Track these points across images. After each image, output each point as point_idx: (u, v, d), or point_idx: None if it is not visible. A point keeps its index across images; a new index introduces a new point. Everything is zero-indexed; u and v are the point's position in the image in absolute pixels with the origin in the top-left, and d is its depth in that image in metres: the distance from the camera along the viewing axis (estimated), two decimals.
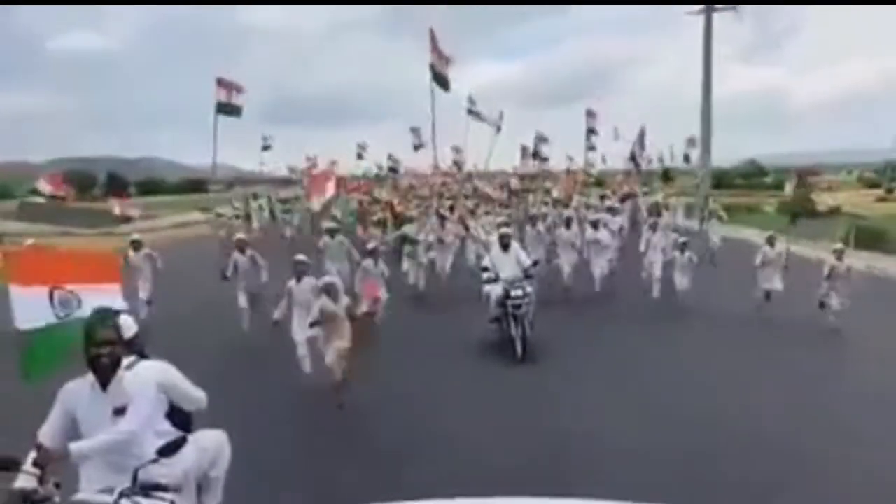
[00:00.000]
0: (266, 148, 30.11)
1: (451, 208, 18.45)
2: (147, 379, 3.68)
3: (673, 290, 13.32)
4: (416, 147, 27.29)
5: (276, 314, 8.95)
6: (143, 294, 12.05)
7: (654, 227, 14.73)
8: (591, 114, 27.76)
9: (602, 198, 24.07)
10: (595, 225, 14.95)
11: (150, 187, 71.78)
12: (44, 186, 25.77)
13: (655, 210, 17.09)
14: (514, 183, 26.17)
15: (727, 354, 10.27)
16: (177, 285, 13.41)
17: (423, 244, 14.83)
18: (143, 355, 3.93)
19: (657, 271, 13.67)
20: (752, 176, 75.88)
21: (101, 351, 3.52)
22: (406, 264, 14.81)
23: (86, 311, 3.76)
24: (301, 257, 9.26)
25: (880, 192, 55.86)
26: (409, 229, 15.64)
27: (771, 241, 12.67)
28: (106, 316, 3.66)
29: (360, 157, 31.63)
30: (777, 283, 12.25)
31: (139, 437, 3.57)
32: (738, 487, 5.78)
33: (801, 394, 8.43)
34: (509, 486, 3.10)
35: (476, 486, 4.90)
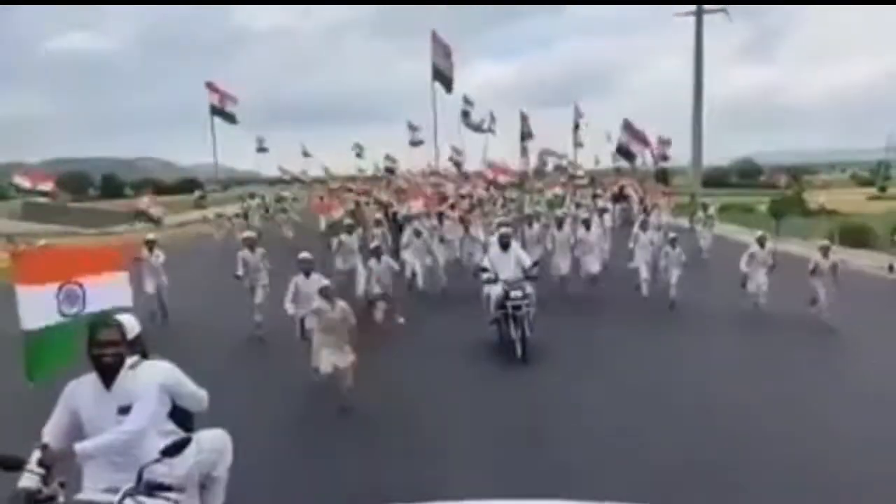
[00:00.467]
0: (262, 150, 30.27)
1: (452, 206, 18.55)
2: (151, 379, 3.69)
3: (664, 287, 13.45)
4: (414, 143, 27.35)
5: (290, 309, 9.03)
6: (149, 288, 12.21)
7: (644, 227, 14.84)
8: (578, 110, 27.92)
9: (594, 197, 24.22)
10: (587, 224, 15.01)
11: (146, 188, 71.65)
12: (22, 181, 25.52)
13: (646, 209, 17.23)
14: (502, 179, 26.18)
15: (722, 351, 10.33)
16: (187, 283, 13.62)
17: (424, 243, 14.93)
18: (145, 355, 3.93)
19: (646, 271, 13.75)
20: (747, 175, 76.15)
21: (104, 351, 3.54)
22: (406, 254, 14.88)
23: (90, 308, 3.80)
24: (305, 255, 9.33)
25: (873, 190, 56.25)
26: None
27: (761, 242, 12.69)
28: (109, 316, 3.68)
29: (358, 156, 31.76)
30: (762, 282, 12.36)
31: (143, 436, 3.57)
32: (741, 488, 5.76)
33: (788, 384, 8.64)
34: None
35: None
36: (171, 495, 3.49)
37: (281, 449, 6.73)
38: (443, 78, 11.61)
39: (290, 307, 9.06)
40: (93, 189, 71.48)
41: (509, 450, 6.67)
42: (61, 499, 3.37)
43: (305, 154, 32.21)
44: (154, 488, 3.41)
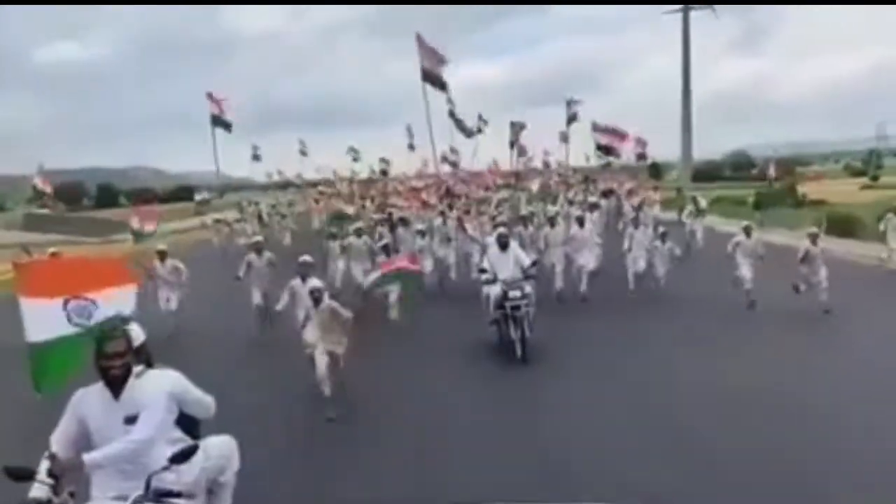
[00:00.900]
0: (256, 157, 30.42)
1: (451, 206, 18.69)
2: (158, 387, 3.71)
3: (656, 281, 13.63)
4: (412, 147, 27.47)
5: (279, 306, 9.30)
6: (171, 304, 12.25)
7: (636, 223, 14.93)
8: (570, 103, 27.96)
9: (586, 193, 24.42)
10: (581, 221, 15.11)
11: (142, 197, 71.68)
12: (43, 186, 26.00)
13: (638, 206, 17.39)
14: (499, 181, 26.42)
15: (718, 344, 10.41)
16: (194, 289, 13.68)
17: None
18: (150, 363, 3.95)
19: (641, 267, 13.86)
20: (740, 167, 76.36)
21: (112, 363, 3.56)
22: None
23: (101, 318, 3.81)
24: (306, 258, 9.48)
25: (866, 180, 56.50)
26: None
27: (747, 231, 13.04)
28: (115, 327, 3.71)
29: (355, 160, 31.91)
30: (748, 271, 12.60)
31: (151, 444, 3.59)
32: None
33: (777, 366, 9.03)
34: None
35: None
36: (180, 502, 3.53)
37: (279, 451, 6.74)
38: (434, 78, 11.66)
39: (279, 305, 9.31)
40: (87, 199, 71.43)
41: (508, 449, 6.67)
42: None
43: (303, 152, 32.31)
44: (163, 495, 3.45)
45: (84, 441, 3.62)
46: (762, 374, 8.69)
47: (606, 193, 26.65)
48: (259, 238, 13.34)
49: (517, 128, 18.70)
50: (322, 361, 7.86)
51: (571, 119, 28.85)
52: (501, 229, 11.31)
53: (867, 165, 68.66)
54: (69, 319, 3.80)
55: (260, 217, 29.62)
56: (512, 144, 19.94)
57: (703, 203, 21.37)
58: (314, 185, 36.27)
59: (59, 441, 3.60)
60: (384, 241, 13.30)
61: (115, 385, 3.60)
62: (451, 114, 16.87)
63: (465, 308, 12.12)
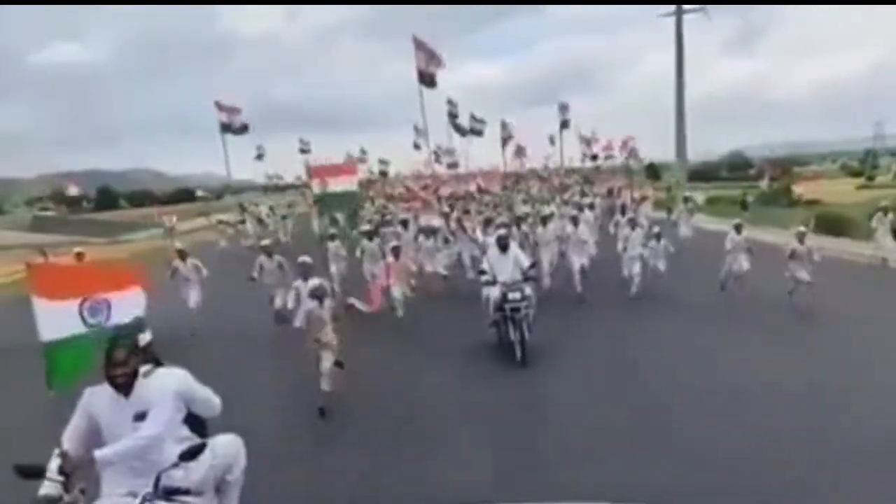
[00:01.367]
0: (259, 157, 30.62)
1: (452, 208, 18.88)
2: (166, 386, 3.78)
3: (651, 280, 13.85)
4: (417, 146, 27.51)
5: (278, 302, 9.51)
6: (191, 303, 12.61)
7: (633, 224, 15.05)
8: (563, 107, 28.20)
9: (582, 195, 24.64)
10: (575, 221, 15.21)
11: (141, 199, 72.01)
12: (72, 189, 26.40)
13: (636, 206, 17.60)
14: (480, 182, 26.54)
15: (715, 339, 10.60)
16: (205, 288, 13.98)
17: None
18: (158, 362, 4.00)
19: (637, 268, 13.98)
20: (737, 168, 76.62)
21: (116, 371, 3.65)
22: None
23: (115, 318, 3.92)
24: (305, 259, 9.64)
25: (863, 180, 56.76)
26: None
27: (737, 228, 13.65)
28: (121, 336, 3.79)
29: (361, 161, 32.06)
30: (744, 265, 13.12)
31: (160, 442, 3.65)
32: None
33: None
34: None
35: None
36: (189, 499, 3.58)
37: (273, 448, 6.67)
38: (428, 78, 11.77)
39: (278, 301, 9.53)
40: (87, 202, 71.72)
41: (504, 450, 6.72)
42: None
43: (303, 151, 32.45)
44: (171, 493, 3.51)
45: (94, 438, 3.70)
46: (758, 373, 8.76)
47: (610, 192, 26.99)
48: (268, 241, 13.72)
49: (507, 127, 18.82)
50: (327, 358, 8.07)
51: (564, 125, 29.08)
52: (502, 231, 11.26)
53: (863, 165, 68.92)
54: (84, 320, 3.88)
55: (259, 218, 29.95)
56: (504, 143, 20.04)
57: (691, 204, 21.75)
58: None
59: (69, 439, 3.67)
60: (395, 244, 13.64)
61: (122, 390, 3.69)
62: (452, 115, 16.96)
63: (465, 309, 12.17)
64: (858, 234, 19.91)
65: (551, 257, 14.80)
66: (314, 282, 8.75)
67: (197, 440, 3.80)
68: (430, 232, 15.73)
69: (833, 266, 14.98)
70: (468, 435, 7.19)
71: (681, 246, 17.63)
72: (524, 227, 16.00)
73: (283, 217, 29.27)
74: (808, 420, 7.04)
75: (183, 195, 74.54)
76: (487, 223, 15.95)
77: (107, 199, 71.12)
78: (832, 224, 22.04)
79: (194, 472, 3.69)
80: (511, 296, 9.60)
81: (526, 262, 10.24)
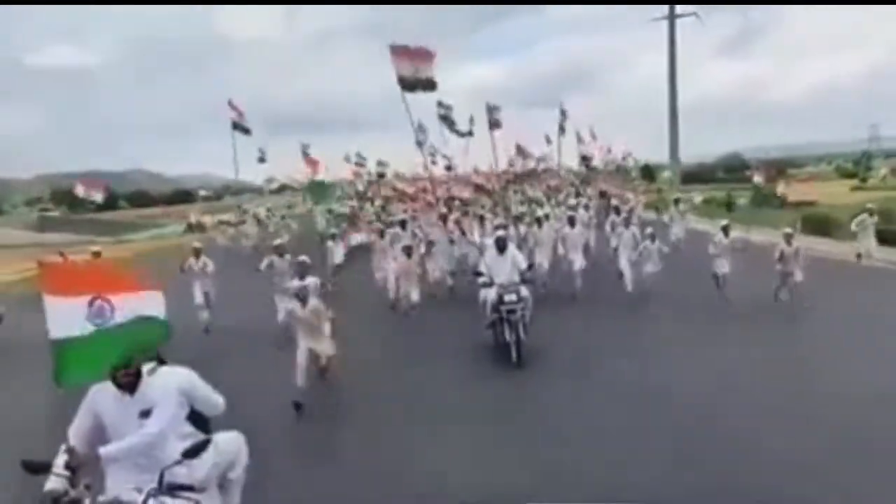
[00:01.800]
0: (261, 160, 30.85)
1: (450, 208, 19.13)
2: (170, 384, 3.85)
3: (645, 279, 14.06)
4: (420, 144, 27.68)
5: (281, 316, 9.76)
6: (199, 299, 12.88)
7: (627, 224, 15.25)
8: (563, 112, 28.48)
9: (576, 194, 24.95)
10: (571, 221, 15.37)
11: (141, 200, 72.25)
12: (86, 193, 26.65)
13: (620, 207, 17.90)
14: (480, 181, 26.77)
15: (708, 343, 10.67)
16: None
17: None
18: (162, 361, 4.03)
19: (631, 266, 14.16)
20: (733, 169, 76.93)
21: (119, 373, 3.73)
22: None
23: (118, 319, 3.96)
24: (303, 258, 9.89)
25: (857, 182, 57.20)
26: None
27: (725, 230, 13.77)
28: (126, 339, 3.81)
29: (359, 164, 32.28)
30: (726, 267, 13.39)
31: (164, 439, 3.72)
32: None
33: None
34: None
35: None
36: (192, 495, 3.64)
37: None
38: (419, 83, 11.89)
39: (281, 316, 9.77)
40: (85, 202, 71.81)
41: (499, 450, 6.76)
42: (87, 501, 3.49)
43: (305, 154, 32.59)
44: (175, 488, 3.58)
45: (99, 436, 3.76)
46: (751, 371, 8.90)
47: (602, 193, 27.34)
48: (280, 241, 13.97)
49: (492, 111, 19.08)
50: (303, 355, 8.31)
51: (561, 128, 29.34)
52: (500, 232, 11.29)
53: (858, 167, 69.36)
54: (90, 319, 3.92)
55: (259, 219, 30.30)
56: (491, 127, 20.31)
57: (682, 205, 22.10)
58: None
59: (74, 436, 3.74)
60: (406, 243, 14.01)
61: (126, 390, 3.77)
62: (445, 117, 17.08)
63: (463, 310, 12.21)
64: (846, 235, 20.29)
65: (548, 258, 14.95)
66: (306, 281, 8.97)
67: (200, 437, 3.86)
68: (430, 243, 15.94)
69: (817, 264, 15.36)
70: (453, 434, 7.27)
71: (672, 246, 17.96)
72: (521, 228, 16.17)
73: (283, 217, 29.67)
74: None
75: (181, 196, 74.87)
76: (481, 222, 16.21)
77: (106, 199, 71.33)
78: (820, 225, 22.46)
79: (198, 469, 3.76)
80: (507, 297, 9.61)
81: (523, 263, 10.29)
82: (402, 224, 17.59)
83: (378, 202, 27.75)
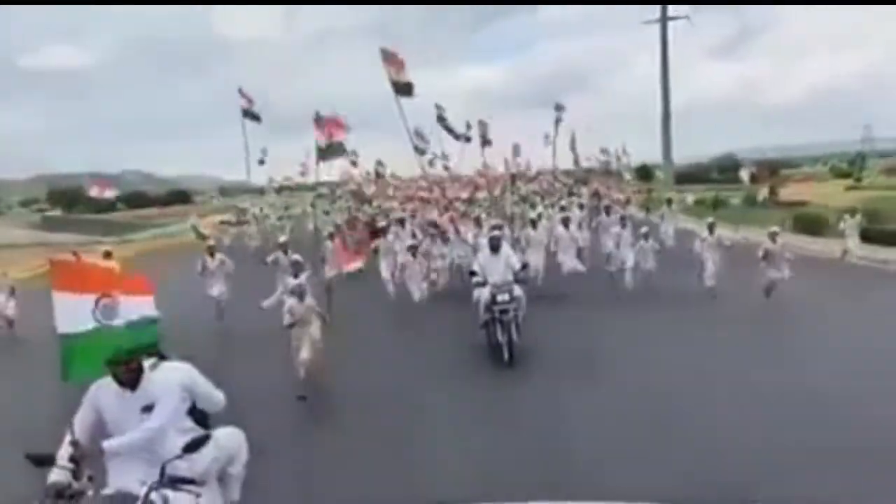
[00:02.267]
0: (261, 162, 30.96)
1: (447, 209, 19.29)
2: (172, 380, 3.91)
3: (640, 277, 14.42)
4: (418, 150, 27.75)
5: (265, 303, 9.84)
6: (215, 293, 13.36)
7: (623, 223, 15.48)
8: (559, 107, 28.54)
9: (570, 195, 25.13)
10: (565, 223, 15.54)
11: (137, 200, 72.19)
12: (97, 193, 26.77)
13: (608, 206, 18.15)
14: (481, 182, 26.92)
15: (700, 340, 10.86)
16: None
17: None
18: (162, 356, 4.09)
19: (629, 263, 14.47)
20: (727, 170, 77.06)
21: (117, 370, 3.80)
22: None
23: (122, 318, 4.07)
24: (296, 257, 10.16)
25: (851, 181, 57.55)
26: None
27: (710, 228, 14.21)
28: (125, 338, 3.89)
29: (353, 164, 32.41)
30: (711, 265, 13.72)
31: (165, 433, 3.78)
32: None
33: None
34: None
35: None
36: (193, 488, 3.70)
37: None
38: (400, 86, 12.04)
39: (265, 303, 9.87)
40: (83, 202, 71.82)
41: (488, 450, 6.81)
42: (90, 492, 3.56)
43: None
44: (177, 481, 3.65)
45: (100, 430, 3.83)
46: (745, 369, 9.03)
47: (595, 193, 27.54)
48: (285, 239, 14.39)
49: (484, 127, 19.15)
50: (304, 349, 8.61)
51: (558, 122, 29.43)
52: (495, 232, 11.35)
53: (852, 167, 69.73)
54: (96, 316, 4.02)
55: (256, 218, 30.47)
56: (483, 144, 20.27)
57: (674, 205, 22.41)
58: (313, 188, 36.89)
59: (79, 430, 3.79)
60: (411, 242, 14.31)
61: (127, 387, 3.83)
62: (441, 118, 17.24)
63: (458, 310, 12.29)
64: (837, 235, 20.59)
65: (542, 258, 15.08)
66: (301, 279, 9.26)
67: (200, 432, 3.92)
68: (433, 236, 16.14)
69: (806, 263, 15.68)
70: (438, 432, 7.37)
71: (663, 245, 18.22)
72: (515, 228, 16.35)
73: (280, 218, 29.83)
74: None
75: (177, 197, 74.90)
76: (477, 223, 16.40)
77: (102, 200, 71.21)
78: (812, 224, 22.77)
79: (198, 463, 3.82)
80: (500, 297, 9.62)
81: (517, 263, 10.30)
82: (402, 223, 17.77)
83: (377, 202, 27.89)
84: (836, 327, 11.29)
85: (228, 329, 12.94)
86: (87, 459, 3.63)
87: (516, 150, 29.54)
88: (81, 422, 3.84)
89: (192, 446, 3.70)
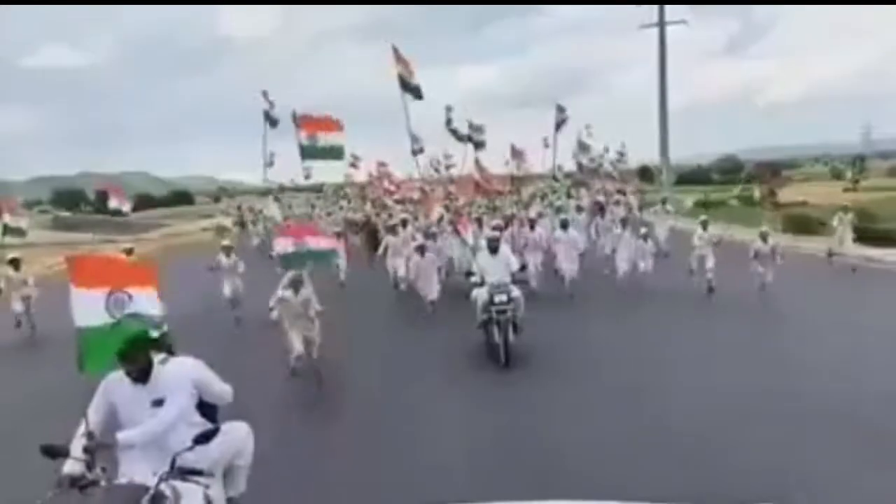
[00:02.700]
0: (270, 164, 31.30)
1: (447, 209, 19.46)
2: (182, 374, 4.05)
3: (638, 278, 14.61)
4: (415, 153, 27.83)
5: (272, 302, 10.12)
6: (228, 292, 13.68)
7: (624, 225, 15.65)
8: (561, 109, 28.63)
9: (569, 197, 25.29)
10: (564, 225, 15.57)
11: (139, 202, 72.56)
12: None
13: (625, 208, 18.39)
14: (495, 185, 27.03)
15: (698, 341, 10.99)
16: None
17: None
18: (171, 352, 4.22)
19: (628, 265, 14.69)
20: (728, 171, 77.24)
21: (129, 367, 3.94)
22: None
23: (136, 309, 4.28)
24: None
25: (849, 182, 57.54)
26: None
27: (703, 225, 14.61)
28: (136, 337, 3.98)
29: (353, 166, 32.63)
30: (709, 262, 13.99)
31: (175, 426, 3.92)
32: None
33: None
34: None
35: None
36: (202, 480, 3.78)
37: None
38: (408, 87, 12.20)
39: (272, 301, 10.15)
40: (84, 204, 72.11)
41: (483, 450, 6.84)
42: (103, 483, 3.64)
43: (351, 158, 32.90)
44: (186, 473, 3.73)
45: (112, 422, 3.97)
46: (743, 369, 9.11)
47: (597, 192, 27.72)
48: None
49: (475, 128, 19.26)
50: (298, 341, 9.01)
51: (560, 124, 29.48)
52: (494, 233, 11.36)
53: (851, 168, 69.79)
54: (109, 309, 4.22)
55: (262, 218, 30.96)
56: (475, 147, 20.36)
57: (669, 205, 22.77)
58: (314, 189, 37.20)
59: (93, 423, 3.93)
60: (419, 241, 14.54)
61: (138, 381, 3.97)
62: (449, 121, 17.33)
63: (456, 310, 12.28)
64: (827, 233, 20.83)
65: (539, 259, 15.20)
66: (293, 273, 9.44)
67: (209, 426, 4.06)
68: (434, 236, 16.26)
69: (802, 260, 16.13)
70: (431, 431, 7.42)
71: (657, 244, 18.46)
72: (513, 229, 16.38)
73: (286, 218, 30.14)
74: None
75: (180, 198, 75.27)
76: (478, 223, 16.59)
77: (104, 201, 71.45)
78: (808, 224, 23.01)
79: (207, 455, 3.92)
80: (497, 298, 9.62)
81: (515, 264, 10.34)
82: (404, 223, 17.95)
83: (378, 203, 28.12)
84: (826, 326, 11.42)
85: (243, 318, 13.26)
86: (101, 450, 3.76)
87: (516, 154, 29.65)
88: (95, 413, 3.97)
89: (202, 438, 3.81)
